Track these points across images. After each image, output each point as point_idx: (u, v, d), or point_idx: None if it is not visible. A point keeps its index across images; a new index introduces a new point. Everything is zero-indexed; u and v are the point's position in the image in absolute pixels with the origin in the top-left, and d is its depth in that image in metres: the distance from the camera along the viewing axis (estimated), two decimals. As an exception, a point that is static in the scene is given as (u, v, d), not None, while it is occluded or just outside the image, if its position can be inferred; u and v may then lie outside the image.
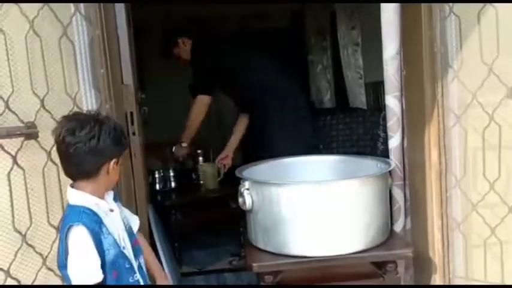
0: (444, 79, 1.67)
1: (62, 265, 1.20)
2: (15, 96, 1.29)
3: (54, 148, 1.38)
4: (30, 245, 1.31)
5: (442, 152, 1.69)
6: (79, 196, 1.21)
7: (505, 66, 1.56)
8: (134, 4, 2.21)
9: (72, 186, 1.23)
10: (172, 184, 3.21)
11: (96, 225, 1.20)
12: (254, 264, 1.64)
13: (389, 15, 1.77)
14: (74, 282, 1.19)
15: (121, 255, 1.24)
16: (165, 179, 3.21)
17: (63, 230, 1.19)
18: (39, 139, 1.33)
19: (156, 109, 3.28)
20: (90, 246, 1.18)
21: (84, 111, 1.34)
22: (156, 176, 3.18)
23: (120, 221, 1.30)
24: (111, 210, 1.26)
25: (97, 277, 1.20)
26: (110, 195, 1.31)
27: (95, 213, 1.20)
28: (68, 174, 1.22)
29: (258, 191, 1.67)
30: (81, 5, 1.49)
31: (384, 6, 1.77)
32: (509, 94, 1.56)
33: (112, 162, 1.23)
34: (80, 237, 1.17)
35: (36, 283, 1.34)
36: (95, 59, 1.51)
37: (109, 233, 1.22)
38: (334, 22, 3.39)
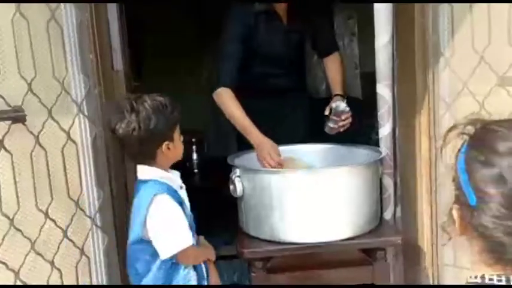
0: (436, 67, 1.66)
1: (137, 240, 1.26)
2: (1, 79, 1.28)
3: (42, 132, 1.38)
4: (18, 229, 1.30)
5: (433, 140, 1.69)
6: (151, 171, 1.29)
7: (496, 55, 1.55)
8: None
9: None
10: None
11: (175, 194, 1.28)
12: (245, 251, 1.65)
13: (382, 4, 1.76)
14: (168, 249, 1.26)
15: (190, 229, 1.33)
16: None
17: (143, 203, 1.25)
18: (26, 123, 1.32)
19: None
20: (179, 211, 1.27)
21: (124, 97, 1.36)
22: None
23: (187, 199, 1.38)
24: (181, 187, 1.35)
25: (190, 240, 1.29)
26: (177, 174, 1.38)
27: (170, 186, 1.29)
28: (131, 160, 1.35)
29: (249, 178, 1.67)
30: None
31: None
32: (500, 82, 1.56)
33: (164, 145, 1.28)
34: (167, 204, 1.25)
35: (24, 267, 1.34)
36: (84, 44, 1.49)
37: (186, 204, 1.33)
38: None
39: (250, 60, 1.99)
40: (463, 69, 1.61)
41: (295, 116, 2.23)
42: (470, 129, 0.72)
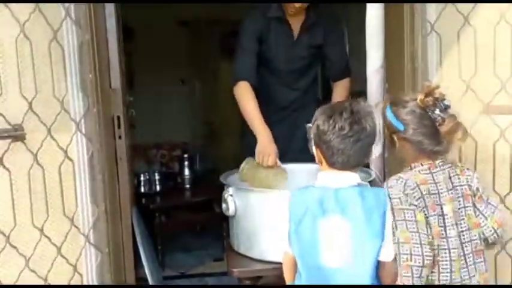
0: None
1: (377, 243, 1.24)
2: (3, 98, 1.30)
3: (41, 150, 1.40)
4: (13, 246, 1.31)
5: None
6: (357, 178, 1.33)
7: (482, 83, 1.62)
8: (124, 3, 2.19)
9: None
10: (158, 187, 3.22)
11: None
12: (234, 270, 1.66)
13: (374, 29, 1.82)
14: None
15: None
16: (150, 182, 3.22)
17: (377, 203, 1.26)
18: (25, 141, 1.34)
19: (144, 110, 3.30)
20: None
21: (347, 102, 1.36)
22: (142, 178, 3.19)
23: None
24: None
25: None
26: None
27: None
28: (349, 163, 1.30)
29: (242, 197, 1.69)
30: (72, 9, 1.50)
31: (369, 20, 1.82)
32: (485, 110, 1.62)
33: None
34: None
35: (18, 284, 1.34)
36: (84, 64, 1.52)
37: None
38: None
39: (260, 72, 2.04)
40: (450, 97, 1.66)
41: (299, 135, 2.12)
42: (389, 100, 1.39)
